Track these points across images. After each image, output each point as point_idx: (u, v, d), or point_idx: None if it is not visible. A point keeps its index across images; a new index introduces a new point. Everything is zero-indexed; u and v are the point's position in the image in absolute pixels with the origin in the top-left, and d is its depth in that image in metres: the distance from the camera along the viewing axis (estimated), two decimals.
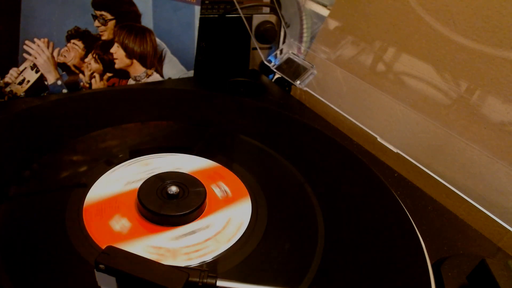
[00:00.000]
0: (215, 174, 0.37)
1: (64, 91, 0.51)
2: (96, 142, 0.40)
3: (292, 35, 0.63)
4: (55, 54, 0.49)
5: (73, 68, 0.50)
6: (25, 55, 0.47)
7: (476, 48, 0.39)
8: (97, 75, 0.52)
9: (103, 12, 0.50)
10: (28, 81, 0.48)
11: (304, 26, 0.62)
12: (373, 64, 0.50)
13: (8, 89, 0.48)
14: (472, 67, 0.40)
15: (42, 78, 0.49)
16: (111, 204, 0.32)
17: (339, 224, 0.33)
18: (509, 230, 0.37)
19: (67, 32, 0.49)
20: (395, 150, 0.46)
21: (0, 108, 0.46)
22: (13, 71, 0.47)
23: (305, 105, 0.55)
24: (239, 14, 0.58)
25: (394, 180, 0.41)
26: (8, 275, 0.25)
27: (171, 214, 0.30)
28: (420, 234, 0.32)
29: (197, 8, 0.55)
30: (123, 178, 0.35)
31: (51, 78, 0.50)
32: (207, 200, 0.33)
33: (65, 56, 0.49)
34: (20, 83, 0.48)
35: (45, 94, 0.50)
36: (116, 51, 0.52)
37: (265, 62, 0.62)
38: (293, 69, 0.60)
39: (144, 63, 0.55)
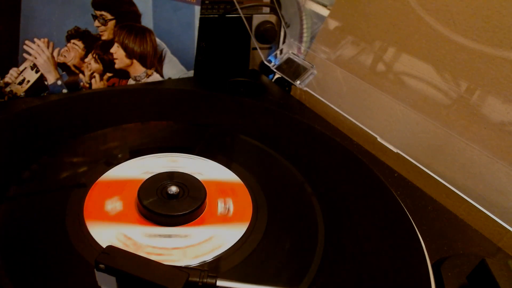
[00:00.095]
0: (230, 189, 0.35)
1: (64, 91, 0.51)
2: (96, 142, 0.40)
3: (292, 35, 0.63)
4: (55, 54, 0.49)
5: (73, 68, 0.50)
6: (25, 55, 0.47)
7: (476, 48, 0.39)
8: (97, 75, 0.52)
9: (103, 12, 0.50)
10: (28, 81, 0.48)
11: (304, 26, 0.62)
12: (373, 64, 0.50)
13: (8, 89, 0.48)
14: (472, 67, 0.40)
15: (42, 78, 0.49)
16: (119, 186, 0.34)
17: (339, 224, 0.33)
18: (509, 230, 0.37)
19: (67, 32, 0.49)
20: (395, 150, 0.46)
21: (0, 108, 0.46)
22: (13, 71, 0.47)
23: (305, 105, 0.55)
24: (239, 14, 0.58)
25: (394, 180, 0.41)
26: (8, 275, 0.25)
27: (157, 211, 0.30)
28: (420, 234, 0.32)
29: (197, 8, 0.55)
30: (145, 167, 0.36)
31: (51, 78, 0.50)
32: (203, 210, 0.32)
33: (65, 56, 0.49)
34: (20, 83, 0.48)
35: (45, 94, 0.50)
36: (116, 51, 0.52)
37: (265, 62, 0.62)
38: (293, 69, 0.60)
39: (144, 63, 0.55)
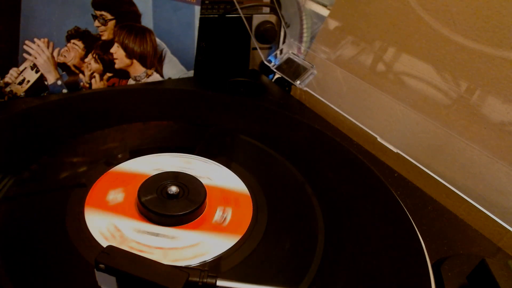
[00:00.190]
0: (234, 199, 0.34)
1: (64, 91, 0.51)
2: (96, 142, 0.40)
3: (292, 35, 0.63)
4: (55, 54, 0.49)
5: (73, 68, 0.51)
6: (25, 55, 0.47)
7: (476, 48, 0.39)
8: (97, 75, 0.52)
9: (103, 12, 0.50)
10: (28, 81, 0.48)
11: (304, 26, 0.62)
12: (373, 64, 0.50)
13: (8, 89, 0.48)
14: (472, 67, 0.40)
15: (42, 78, 0.49)
16: (127, 179, 0.35)
17: (339, 224, 0.33)
18: (509, 230, 0.37)
19: (67, 32, 0.49)
20: (395, 150, 0.46)
21: (0, 108, 0.46)
22: (13, 71, 0.47)
23: (305, 105, 0.55)
24: (239, 14, 0.58)
25: (394, 180, 0.41)
26: (8, 275, 0.25)
27: (150, 208, 0.30)
28: (420, 234, 0.32)
29: (197, 8, 0.55)
30: (158, 164, 0.36)
31: (51, 78, 0.50)
32: (198, 215, 0.32)
33: (65, 56, 0.49)
34: (20, 83, 0.48)
35: (45, 94, 0.50)
36: (116, 51, 0.52)
37: (265, 62, 0.62)
38: (293, 69, 0.60)
39: (144, 63, 0.55)
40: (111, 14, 0.50)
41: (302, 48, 0.62)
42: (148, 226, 0.31)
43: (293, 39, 0.63)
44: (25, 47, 0.47)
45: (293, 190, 0.37)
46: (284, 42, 0.64)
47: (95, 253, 0.26)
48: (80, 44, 0.50)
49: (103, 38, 0.51)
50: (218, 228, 0.31)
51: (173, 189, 0.32)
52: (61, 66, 0.50)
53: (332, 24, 0.56)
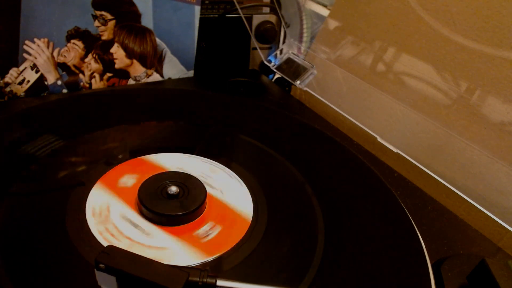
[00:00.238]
0: (231, 220, 0.32)
1: (64, 91, 0.51)
2: (96, 142, 0.40)
3: (292, 35, 0.63)
4: (55, 54, 0.49)
5: (73, 68, 0.51)
6: (25, 55, 0.47)
7: (476, 48, 0.39)
8: (97, 75, 0.52)
9: (103, 12, 0.50)
10: (28, 81, 0.48)
11: (304, 26, 0.62)
12: (373, 64, 0.50)
13: (8, 89, 0.48)
14: (472, 67, 0.40)
15: (42, 78, 0.49)
16: (147, 168, 0.36)
17: (339, 224, 0.33)
18: (509, 230, 0.37)
19: (67, 32, 0.49)
20: (395, 150, 0.46)
21: (0, 108, 0.46)
22: (13, 71, 0.47)
23: (305, 105, 0.55)
24: (239, 14, 0.58)
25: (394, 180, 0.41)
26: (8, 275, 0.25)
27: (142, 199, 0.31)
28: (420, 234, 0.32)
29: (197, 8, 0.55)
30: (183, 164, 0.37)
31: (51, 78, 0.50)
32: (183, 222, 0.31)
33: (65, 56, 0.49)
34: (20, 83, 0.48)
35: (45, 94, 0.50)
36: (116, 51, 0.52)
37: (265, 62, 0.62)
38: (293, 69, 0.60)
39: (144, 63, 0.55)
40: (111, 14, 0.50)
41: (302, 48, 0.62)
42: (134, 216, 0.31)
43: (293, 39, 0.63)
44: (25, 47, 0.47)
45: (293, 190, 0.37)
46: (284, 42, 0.64)
47: (95, 253, 0.26)
48: (80, 44, 0.50)
49: (103, 38, 0.51)
50: (195, 242, 0.30)
51: (173, 188, 0.32)
52: (61, 66, 0.50)
53: (332, 24, 0.56)
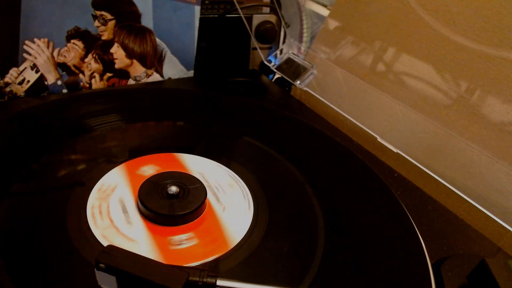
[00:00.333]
0: (213, 238, 0.30)
1: (64, 91, 0.51)
2: (96, 142, 0.40)
3: (292, 35, 0.63)
4: (55, 54, 0.49)
5: (73, 68, 0.51)
6: (25, 55, 0.47)
7: (476, 48, 0.39)
8: (97, 75, 0.52)
9: (103, 12, 0.50)
10: (28, 81, 0.48)
11: (304, 26, 0.62)
12: (373, 64, 0.50)
13: (8, 89, 0.48)
14: (472, 67, 0.40)
15: (42, 78, 0.49)
16: (171, 163, 0.37)
17: (339, 224, 0.33)
18: (509, 230, 0.37)
19: (67, 32, 0.49)
20: (395, 150, 0.46)
21: (0, 108, 0.46)
22: (13, 71, 0.47)
23: (305, 105, 0.55)
24: (239, 14, 0.58)
25: (394, 180, 0.41)
26: (8, 274, 0.25)
27: (140, 193, 0.32)
28: (420, 234, 0.32)
29: (197, 8, 0.55)
30: (204, 169, 0.37)
31: (51, 78, 0.50)
32: (168, 223, 0.31)
33: (65, 56, 0.49)
34: (20, 83, 0.48)
35: (45, 94, 0.50)
36: (116, 51, 0.52)
37: (265, 62, 0.62)
38: (293, 69, 0.60)
39: (144, 63, 0.55)
40: (111, 14, 0.50)
41: (302, 48, 0.62)
42: (130, 203, 0.32)
43: (293, 39, 0.63)
44: (25, 47, 0.47)
45: (293, 190, 0.37)
46: (284, 42, 0.64)
47: (95, 253, 0.26)
48: (80, 44, 0.50)
49: (103, 38, 0.51)
50: (163, 245, 0.29)
51: (173, 188, 0.32)
52: (61, 66, 0.50)
53: (332, 24, 0.56)
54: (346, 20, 0.53)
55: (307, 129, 0.47)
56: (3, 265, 0.26)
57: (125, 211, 0.32)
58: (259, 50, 0.62)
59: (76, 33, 0.49)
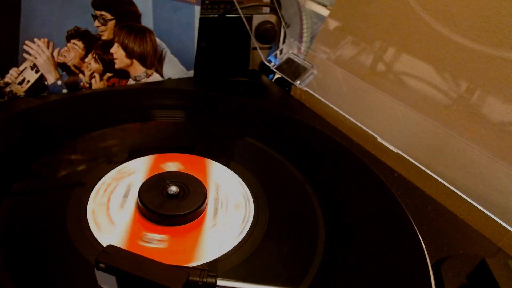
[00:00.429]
0: (182, 250, 0.29)
1: (64, 91, 0.51)
2: (96, 142, 0.40)
3: (292, 35, 0.63)
4: (55, 54, 0.49)
5: (73, 68, 0.51)
6: (25, 55, 0.47)
7: (476, 48, 0.39)
8: (97, 75, 0.52)
9: (103, 12, 0.50)
10: (28, 81, 0.48)
11: (304, 26, 0.62)
12: (373, 64, 0.50)
13: (8, 89, 0.48)
14: (472, 67, 0.40)
15: (42, 78, 0.49)
16: (196, 167, 0.37)
17: (339, 224, 0.33)
18: (509, 230, 0.37)
19: (67, 32, 0.49)
20: (395, 150, 0.46)
21: (0, 108, 0.46)
22: (13, 71, 0.47)
23: (305, 105, 0.55)
24: (239, 14, 0.58)
25: (394, 180, 0.41)
26: (8, 275, 0.25)
27: (141, 188, 0.32)
28: (420, 234, 0.32)
29: (197, 8, 0.55)
30: (224, 182, 0.36)
31: (51, 78, 0.50)
32: (159, 221, 0.31)
33: (65, 56, 0.49)
34: (20, 83, 0.48)
35: (45, 94, 0.50)
36: (116, 51, 0.52)
37: (265, 62, 0.62)
38: (293, 69, 0.60)
39: (144, 63, 0.55)
40: (111, 14, 0.50)
41: (302, 48, 0.62)
42: (134, 192, 0.33)
43: (293, 39, 0.63)
44: (25, 47, 0.47)
45: (293, 190, 0.37)
46: (284, 42, 0.64)
47: (95, 252, 0.26)
48: (80, 44, 0.50)
49: (103, 38, 0.51)
50: (133, 238, 0.29)
51: (173, 188, 0.32)
52: (61, 66, 0.50)
53: (332, 24, 0.56)
54: (346, 20, 0.53)
55: (307, 129, 0.47)
56: (4, 265, 0.26)
57: (126, 195, 0.33)
58: (259, 50, 0.62)
59: (76, 33, 0.49)
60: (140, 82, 0.56)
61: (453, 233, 0.35)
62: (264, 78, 0.62)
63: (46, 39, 0.48)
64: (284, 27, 0.63)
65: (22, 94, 0.49)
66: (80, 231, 0.29)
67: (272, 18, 0.62)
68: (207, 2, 0.58)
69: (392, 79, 0.48)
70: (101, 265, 0.22)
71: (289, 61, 0.61)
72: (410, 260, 0.30)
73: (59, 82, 0.50)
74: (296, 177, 0.38)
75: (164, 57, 0.56)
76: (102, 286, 0.23)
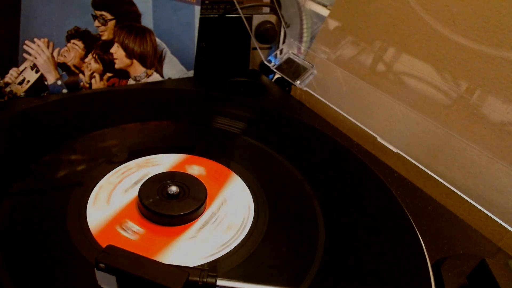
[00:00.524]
0: (147, 248, 0.29)
1: (64, 91, 0.51)
2: (96, 142, 0.40)
3: (292, 35, 0.63)
4: (55, 54, 0.49)
5: (73, 68, 0.50)
6: (25, 55, 0.47)
7: (476, 48, 0.39)
8: (97, 75, 0.52)
9: (103, 12, 0.50)
10: (28, 81, 0.48)
11: (304, 26, 0.62)
12: (373, 64, 0.50)
13: (8, 89, 0.48)
14: (472, 67, 0.40)
15: (42, 78, 0.49)
16: (218, 173, 0.37)
17: (339, 224, 0.33)
18: (509, 230, 0.37)
19: (67, 32, 0.49)
20: (395, 150, 0.46)
21: (0, 108, 0.46)
22: (13, 71, 0.47)
23: (305, 105, 0.55)
24: (239, 14, 0.58)
25: (394, 180, 0.41)
26: (8, 275, 0.25)
27: (143, 184, 0.33)
28: (420, 234, 0.32)
29: (197, 8, 0.55)
30: (231, 192, 0.35)
31: (51, 78, 0.50)
32: (154, 219, 0.31)
33: (65, 56, 0.49)
34: (20, 83, 0.48)
35: (45, 94, 0.50)
36: (116, 51, 0.52)
37: (265, 62, 0.62)
38: (293, 69, 0.60)
39: (144, 63, 0.55)
40: (111, 14, 0.50)
41: (302, 48, 0.62)
42: (135, 188, 0.34)
43: (293, 39, 0.63)
44: (25, 47, 0.47)
45: (293, 190, 0.37)
46: (284, 42, 0.64)
47: (95, 252, 0.26)
48: (80, 44, 0.50)
49: (103, 38, 0.51)
50: (115, 222, 0.31)
51: (173, 188, 0.32)
52: (61, 66, 0.50)
53: (332, 24, 0.56)
54: (346, 20, 0.53)
55: (307, 129, 0.47)
56: (4, 265, 0.26)
57: (136, 183, 0.34)
58: (259, 50, 0.62)
59: (76, 33, 0.49)
60: (140, 82, 0.56)
61: (453, 233, 0.35)
62: (264, 78, 0.62)
63: (46, 39, 0.48)
64: (284, 27, 0.63)
65: (22, 94, 0.49)
66: (80, 231, 0.29)
67: (272, 18, 0.62)
68: (207, 2, 0.58)
69: (392, 79, 0.48)
70: (101, 265, 0.22)
71: (289, 61, 0.61)
72: (410, 260, 0.30)
73: (59, 82, 0.50)
74: (296, 177, 0.38)
75: (164, 57, 0.56)
76: (102, 286, 0.23)
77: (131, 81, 0.55)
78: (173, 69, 0.57)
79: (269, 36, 0.62)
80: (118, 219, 0.31)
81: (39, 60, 0.48)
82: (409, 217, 0.34)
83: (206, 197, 0.32)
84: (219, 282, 0.23)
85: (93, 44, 0.51)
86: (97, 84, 0.53)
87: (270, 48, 0.65)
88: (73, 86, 0.51)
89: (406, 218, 0.34)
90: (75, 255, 0.27)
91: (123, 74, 0.54)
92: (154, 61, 0.55)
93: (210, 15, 0.59)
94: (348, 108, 0.53)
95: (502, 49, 0.37)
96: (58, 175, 0.35)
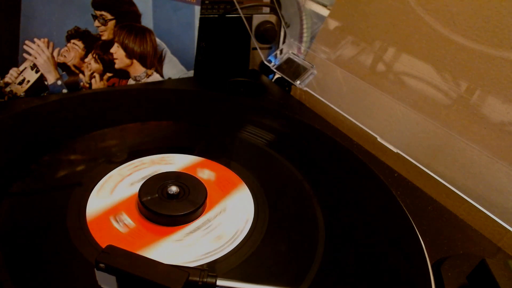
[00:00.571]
0: (132, 243, 0.29)
1: (64, 91, 0.51)
2: (96, 142, 0.40)
3: (292, 35, 0.63)
4: (55, 54, 0.49)
5: (73, 68, 0.50)
6: (25, 55, 0.47)
7: (476, 48, 0.39)
8: (97, 75, 0.52)
9: (103, 12, 0.50)
10: (28, 81, 0.48)
11: (304, 26, 0.62)
12: (373, 64, 0.50)
13: (8, 89, 0.48)
14: (472, 67, 0.40)
15: (42, 78, 0.49)
16: (228, 181, 0.37)
17: (339, 224, 0.33)
18: (509, 230, 0.37)
19: (67, 32, 0.49)
20: (395, 150, 0.46)
21: (0, 108, 0.46)
22: (13, 71, 0.47)
23: (305, 105, 0.55)
24: (239, 14, 0.58)
25: (394, 180, 0.41)
26: (8, 275, 0.25)
27: (145, 183, 0.33)
28: (420, 234, 0.32)
29: (197, 8, 0.55)
30: (234, 210, 0.34)
31: (51, 78, 0.50)
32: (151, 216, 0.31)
33: (65, 56, 0.49)
34: (20, 83, 0.48)
35: (45, 94, 0.50)
36: (116, 51, 0.52)
37: (265, 62, 0.62)
38: (293, 69, 0.60)
39: (144, 63, 0.55)
40: (111, 14, 0.50)
41: (302, 48, 0.62)
42: (138, 184, 0.33)
43: (293, 39, 0.63)
44: (25, 47, 0.47)
45: (293, 190, 0.37)
46: (284, 42, 0.64)
47: (95, 252, 0.26)
48: (80, 44, 0.50)
49: (103, 38, 0.51)
50: (110, 213, 0.31)
51: (173, 188, 0.32)
52: (61, 66, 0.50)
53: (332, 24, 0.56)
54: (346, 20, 0.53)
55: (307, 129, 0.47)
56: (4, 265, 0.26)
57: (144, 178, 0.34)
58: (259, 50, 0.62)
59: (76, 33, 0.49)
60: (140, 82, 0.56)
61: (453, 233, 0.35)
62: (264, 78, 0.62)
63: (46, 39, 0.48)
64: (284, 27, 0.63)
65: (22, 94, 0.49)
66: (80, 231, 0.29)
67: (272, 18, 0.62)
68: (207, 2, 0.58)
69: (392, 79, 0.48)
70: (101, 265, 0.22)
71: (289, 61, 0.61)
72: (410, 260, 0.30)
73: (59, 82, 0.50)
74: (296, 177, 0.38)
75: (164, 57, 0.56)
76: (102, 286, 0.23)
77: (131, 81, 0.55)
78: (173, 69, 0.57)
79: (269, 36, 0.62)
80: (115, 210, 0.32)
81: (39, 60, 0.48)
82: (409, 217, 0.34)
83: (203, 203, 0.32)
84: (219, 282, 0.23)
85: (93, 44, 0.51)
86: (97, 84, 0.53)
87: (270, 48, 0.65)
88: (73, 86, 0.51)
89: (406, 218, 0.34)
90: (75, 255, 0.27)
91: (123, 74, 0.54)
92: (154, 61, 0.55)
93: (210, 15, 0.59)
94: (348, 108, 0.53)
95: (502, 49, 0.37)
96: (58, 175, 0.35)
